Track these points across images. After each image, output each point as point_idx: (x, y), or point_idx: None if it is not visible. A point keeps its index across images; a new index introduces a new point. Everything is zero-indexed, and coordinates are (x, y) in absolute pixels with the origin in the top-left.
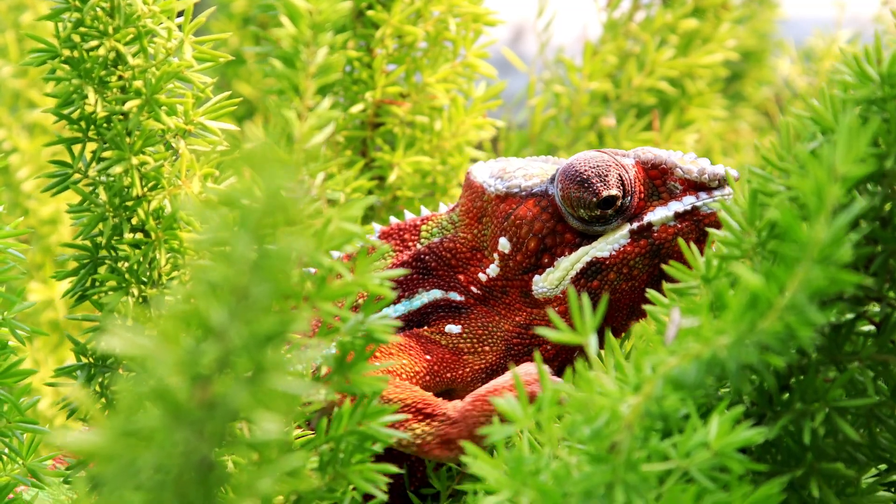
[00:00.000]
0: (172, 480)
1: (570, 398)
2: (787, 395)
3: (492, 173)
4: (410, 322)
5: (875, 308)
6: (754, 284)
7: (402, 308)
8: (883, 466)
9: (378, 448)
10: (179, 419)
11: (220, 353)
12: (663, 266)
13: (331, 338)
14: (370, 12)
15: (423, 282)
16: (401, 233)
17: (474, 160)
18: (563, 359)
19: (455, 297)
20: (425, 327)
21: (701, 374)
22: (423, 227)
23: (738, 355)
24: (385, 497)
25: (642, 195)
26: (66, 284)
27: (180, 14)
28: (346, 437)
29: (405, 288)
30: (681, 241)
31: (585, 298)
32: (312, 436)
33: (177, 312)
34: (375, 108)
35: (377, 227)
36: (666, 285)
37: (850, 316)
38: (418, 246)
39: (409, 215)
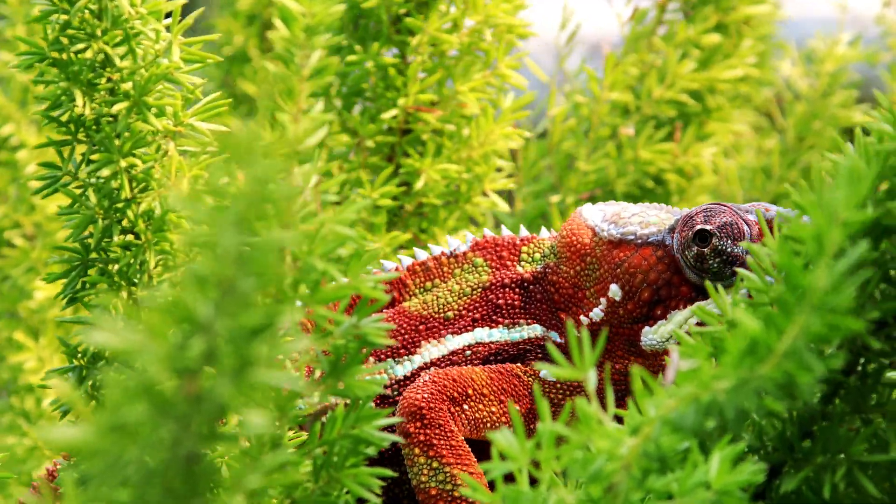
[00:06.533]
0: (159, 475)
1: (569, 438)
2: (808, 441)
3: (605, 217)
4: (503, 353)
5: None
6: (753, 330)
7: (498, 335)
8: None
9: (372, 451)
10: (166, 413)
11: (206, 347)
12: (690, 308)
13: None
14: (408, 19)
15: (525, 313)
16: (497, 248)
17: (499, 170)
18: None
19: (556, 337)
20: (519, 364)
21: (699, 417)
22: (524, 248)
23: (736, 400)
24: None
25: None
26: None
27: (170, 15)
28: (339, 440)
29: (504, 314)
30: (708, 284)
31: (588, 335)
32: (305, 437)
33: (163, 306)
34: (406, 114)
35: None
36: (692, 327)
37: (874, 367)
38: (518, 269)
39: (505, 232)
